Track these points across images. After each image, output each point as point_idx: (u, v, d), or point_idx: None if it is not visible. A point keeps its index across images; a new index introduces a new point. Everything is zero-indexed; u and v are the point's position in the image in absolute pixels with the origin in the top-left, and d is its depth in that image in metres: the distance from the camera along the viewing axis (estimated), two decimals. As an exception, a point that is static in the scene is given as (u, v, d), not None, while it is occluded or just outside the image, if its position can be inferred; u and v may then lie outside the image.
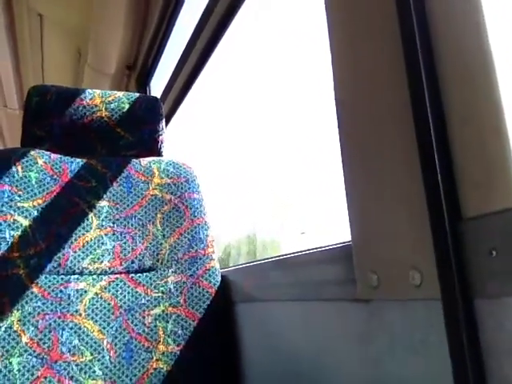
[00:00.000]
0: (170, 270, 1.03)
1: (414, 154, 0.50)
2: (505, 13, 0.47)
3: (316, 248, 0.78)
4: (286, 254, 0.89)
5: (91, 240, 1.02)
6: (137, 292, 0.99)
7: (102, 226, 1.04)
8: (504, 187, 0.43)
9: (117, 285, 0.99)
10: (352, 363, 0.65)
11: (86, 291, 0.96)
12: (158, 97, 1.26)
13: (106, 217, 1.05)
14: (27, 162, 1.04)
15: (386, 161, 0.56)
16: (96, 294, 0.97)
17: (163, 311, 0.98)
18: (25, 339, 0.88)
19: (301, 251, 0.82)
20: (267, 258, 0.96)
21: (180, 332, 0.97)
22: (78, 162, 1.09)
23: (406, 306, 0.55)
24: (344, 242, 0.69)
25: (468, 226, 0.46)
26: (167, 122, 1.80)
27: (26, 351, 0.87)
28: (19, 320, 0.89)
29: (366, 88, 0.60)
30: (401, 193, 0.54)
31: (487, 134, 0.45)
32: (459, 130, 0.47)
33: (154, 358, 0.93)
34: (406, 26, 0.52)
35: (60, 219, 1.01)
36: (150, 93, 2.02)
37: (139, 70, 2.02)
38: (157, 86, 2.02)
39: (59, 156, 1.08)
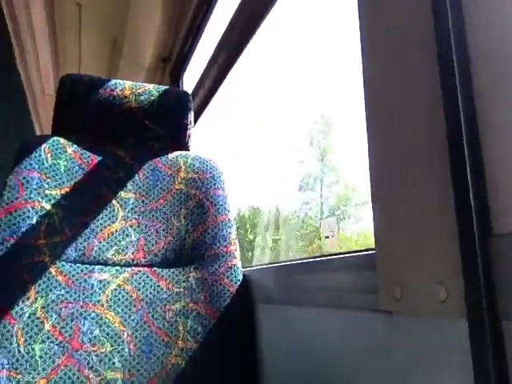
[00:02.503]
0: (192, 266, 1.03)
1: (446, 165, 0.48)
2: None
3: (340, 254, 0.76)
4: (309, 258, 0.88)
5: (116, 231, 1.03)
6: (159, 286, 0.99)
7: (128, 217, 1.05)
8: None
9: (139, 277, 0.99)
10: (370, 375, 0.64)
11: (108, 282, 0.97)
12: (191, 91, 1.26)
13: (131, 208, 1.06)
14: (57, 150, 1.05)
15: (417, 170, 0.54)
16: (119, 285, 0.97)
17: (184, 307, 0.98)
18: (47, 326, 0.89)
19: (325, 256, 0.81)
20: (290, 260, 0.95)
21: (200, 329, 0.96)
22: (106, 152, 1.10)
23: (430, 322, 0.53)
24: (368, 250, 0.67)
25: (499, 242, 0.44)
26: (197, 118, 1.80)
27: (48, 338, 0.89)
28: (43, 307, 0.91)
29: (396, 102, 0.58)
30: (430, 204, 0.52)
31: None
32: (494, 144, 0.45)
33: (173, 354, 0.93)
34: (441, 29, 0.50)
35: (86, 209, 1.03)
36: (182, 87, 2.03)
37: (173, 64, 2.03)
38: (190, 80, 2.03)
39: (88, 145, 1.09)
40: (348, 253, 0.75)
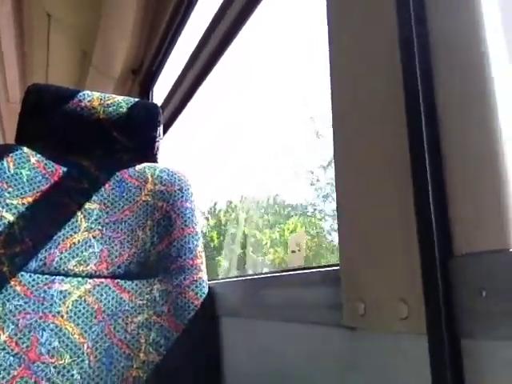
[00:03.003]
0: (156, 279, 1.01)
1: (409, 186, 0.50)
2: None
3: (305, 268, 0.76)
4: (274, 272, 0.88)
5: (79, 242, 1.01)
6: (121, 298, 0.97)
7: (91, 228, 1.03)
8: (496, 227, 0.42)
9: (101, 289, 0.97)
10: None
11: (69, 293, 0.95)
12: (160, 103, 1.26)
13: (95, 219, 1.04)
14: (20, 159, 1.03)
15: (381, 190, 0.55)
16: (80, 296, 0.95)
17: (147, 319, 0.96)
18: (3, 337, 0.87)
19: (290, 271, 0.81)
20: (256, 274, 0.94)
21: (162, 342, 0.95)
22: (71, 163, 1.08)
23: (392, 338, 0.54)
24: (333, 265, 0.68)
25: (459, 263, 0.45)
26: (166, 130, 1.79)
27: (3, 349, 0.86)
28: None
29: (362, 121, 0.59)
30: (393, 223, 0.53)
31: (482, 174, 0.44)
32: (455, 167, 0.47)
33: (134, 367, 0.92)
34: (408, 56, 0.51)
35: (49, 219, 1.00)
36: (152, 99, 2.02)
37: (143, 75, 2.02)
38: (160, 92, 2.02)
39: (53, 155, 1.07)
40: (314, 268, 0.75)
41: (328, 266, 0.72)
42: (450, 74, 0.48)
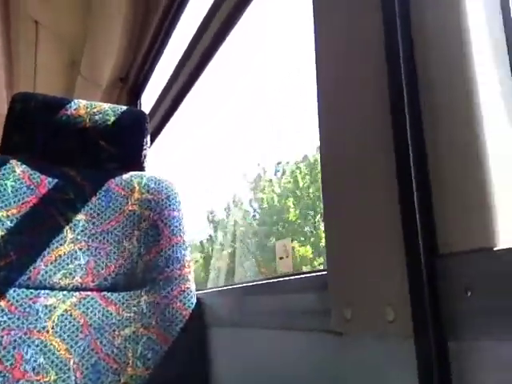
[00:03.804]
0: (143, 290, 0.99)
1: (393, 188, 0.49)
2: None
3: (293, 275, 0.76)
4: (263, 280, 0.87)
5: (64, 254, 0.99)
6: (108, 311, 0.96)
7: (77, 239, 1.01)
8: (481, 226, 0.41)
9: (88, 302, 0.95)
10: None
11: (55, 307, 0.93)
12: (148, 112, 1.25)
13: (81, 231, 1.02)
14: (4, 169, 1.01)
15: (366, 194, 0.54)
16: (66, 310, 0.93)
17: (134, 332, 0.94)
18: None
19: (277, 278, 0.80)
20: (244, 283, 0.93)
21: (150, 355, 0.93)
22: (56, 173, 1.06)
23: (379, 342, 0.53)
24: (320, 271, 0.67)
25: (444, 262, 0.44)
26: (153, 139, 1.78)
27: None
28: None
29: (347, 122, 0.58)
30: (378, 227, 0.52)
31: (468, 174, 0.43)
32: (440, 167, 0.46)
33: (122, 381, 0.90)
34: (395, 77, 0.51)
35: (34, 231, 0.98)
36: (140, 107, 2.01)
37: (131, 83, 2.01)
38: (148, 100, 2.01)
39: (38, 165, 1.06)
40: (301, 274, 0.74)
41: (315, 272, 0.71)
42: (435, 74, 0.48)
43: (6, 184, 1.00)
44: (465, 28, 0.46)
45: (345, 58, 0.59)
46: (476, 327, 0.41)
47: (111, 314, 0.95)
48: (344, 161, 0.59)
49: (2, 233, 0.95)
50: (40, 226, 0.99)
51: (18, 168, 1.03)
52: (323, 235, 0.62)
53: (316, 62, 0.64)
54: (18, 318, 0.89)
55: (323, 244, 0.60)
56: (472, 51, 0.45)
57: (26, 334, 0.88)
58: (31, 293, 0.93)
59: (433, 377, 0.44)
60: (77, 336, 0.91)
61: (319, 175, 0.62)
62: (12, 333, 0.88)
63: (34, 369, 0.86)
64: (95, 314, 0.94)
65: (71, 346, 0.90)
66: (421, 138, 0.48)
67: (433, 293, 0.44)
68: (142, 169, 1.17)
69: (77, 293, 0.96)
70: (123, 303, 0.97)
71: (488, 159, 0.43)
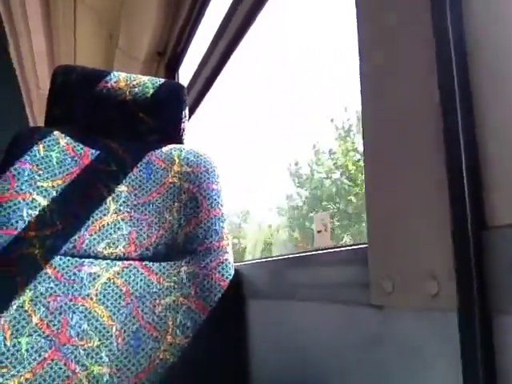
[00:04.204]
0: (183, 260, 1.01)
1: (441, 158, 0.48)
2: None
3: (332, 248, 0.75)
4: (301, 252, 0.87)
5: (108, 224, 1.01)
6: (149, 280, 0.98)
7: (120, 210, 1.04)
8: None
9: (130, 271, 0.98)
10: (363, 369, 0.63)
11: (98, 275, 0.96)
12: (186, 85, 1.25)
13: (124, 202, 1.05)
14: (49, 141, 1.04)
15: (411, 163, 0.53)
16: (109, 279, 0.96)
17: (174, 301, 0.97)
18: (35, 320, 0.88)
19: (317, 250, 0.80)
20: (282, 255, 0.94)
21: (189, 324, 0.95)
22: (99, 145, 1.09)
23: (421, 316, 0.52)
24: (360, 244, 0.67)
25: (492, 235, 0.43)
26: (192, 112, 1.79)
27: (35, 332, 0.87)
28: (31, 300, 0.90)
29: (393, 100, 0.57)
30: (423, 198, 0.51)
31: None
32: (489, 139, 0.45)
33: (162, 349, 0.92)
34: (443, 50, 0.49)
35: (78, 201, 1.01)
36: (178, 80, 2.02)
37: (169, 57, 2.02)
38: (186, 74, 2.01)
39: (81, 137, 1.08)
40: (340, 247, 0.74)
41: (356, 245, 0.71)
42: (484, 60, 0.46)
43: (51, 155, 1.03)
44: None
45: (393, 57, 0.57)
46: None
47: (152, 282, 0.98)
48: (387, 130, 0.57)
49: (48, 202, 0.98)
50: (84, 197, 1.02)
51: (62, 140, 1.05)
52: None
53: (360, 66, 0.63)
54: (64, 285, 0.93)
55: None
56: None
57: (71, 300, 0.92)
58: (76, 261, 0.96)
59: (476, 351, 0.43)
60: (119, 304, 0.94)
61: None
62: (58, 299, 0.91)
63: (78, 334, 0.90)
64: (137, 283, 0.97)
65: (114, 314, 0.93)
66: (470, 116, 0.46)
67: (479, 266, 0.43)
68: (180, 142, 1.18)
69: (119, 262, 0.99)
70: (164, 273, 1.00)
71: None
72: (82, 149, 1.06)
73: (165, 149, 1.13)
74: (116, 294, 0.95)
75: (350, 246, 0.73)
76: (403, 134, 0.54)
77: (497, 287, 0.42)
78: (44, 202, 0.98)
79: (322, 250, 0.79)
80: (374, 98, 0.60)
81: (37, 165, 1.00)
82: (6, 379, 0.83)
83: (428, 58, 0.50)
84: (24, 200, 0.96)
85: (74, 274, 0.95)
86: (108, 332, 0.91)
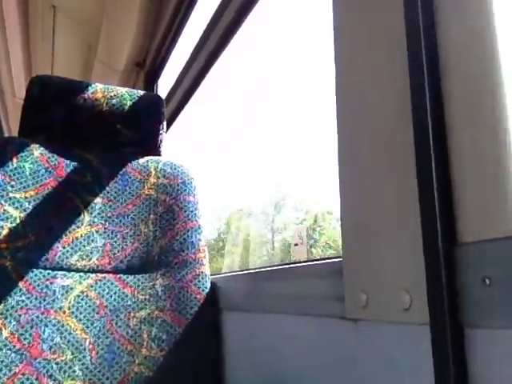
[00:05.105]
0: (158, 273, 1.00)
1: (412, 175, 0.48)
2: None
3: (308, 261, 0.76)
4: (276, 265, 0.87)
5: (81, 236, 1.00)
6: (124, 293, 0.97)
7: (94, 222, 1.02)
8: (502, 215, 0.41)
9: (104, 284, 0.97)
10: (336, 381, 0.63)
11: (71, 288, 0.94)
12: (164, 97, 1.25)
13: (98, 213, 1.03)
14: (23, 152, 1.02)
15: (384, 179, 0.54)
16: (82, 291, 0.94)
17: (149, 314, 0.96)
18: (5, 333, 0.86)
19: (292, 264, 0.80)
20: (258, 268, 0.94)
21: (164, 337, 0.94)
22: (74, 156, 1.07)
23: (394, 329, 0.53)
24: (335, 258, 0.67)
25: (462, 251, 0.44)
26: (170, 124, 1.79)
27: (5, 346, 0.85)
28: (1, 313, 0.87)
29: (367, 104, 0.58)
30: (396, 213, 0.51)
31: (488, 161, 0.43)
32: (460, 155, 0.45)
33: (136, 362, 0.91)
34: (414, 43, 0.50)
35: (51, 213, 1.00)
36: (157, 92, 2.01)
37: (148, 68, 2.01)
38: (165, 85, 2.01)
39: (56, 148, 1.06)
40: (316, 260, 0.74)
41: (331, 258, 0.71)
42: (457, 68, 0.47)
43: (24, 166, 1.01)
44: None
45: (367, 56, 0.58)
46: (494, 316, 0.41)
47: (127, 295, 0.97)
48: (360, 147, 0.58)
49: (21, 214, 0.96)
50: (57, 208, 1.00)
51: (35, 151, 1.04)
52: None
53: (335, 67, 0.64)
54: (36, 298, 0.91)
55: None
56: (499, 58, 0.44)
57: (43, 313, 0.90)
58: (48, 273, 0.94)
59: (449, 365, 0.43)
60: (93, 317, 0.93)
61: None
62: (30, 312, 0.89)
63: (50, 348, 0.88)
64: (111, 296, 0.96)
65: (87, 327, 0.91)
66: (442, 120, 0.47)
67: (450, 281, 0.44)
68: (158, 153, 1.17)
69: (93, 274, 0.97)
70: (138, 285, 0.98)
71: (510, 142, 0.42)
72: (56, 160, 1.05)
73: (141, 160, 1.12)
74: (89, 306, 0.93)
75: (326, 259, 0.74)
76: (377, 150, 0.55)
77: (468, 302, 0.43)
78: (16, 214, 0.96)
79: (298, 263, 0.79)
80: (348, 113, 0.61)
81: (9, 176, 0.99)
82: None
83: (402, 74, 0.51)
84: None
85: (47, 286, 0.93)
86: (81, 345, 0.89)
